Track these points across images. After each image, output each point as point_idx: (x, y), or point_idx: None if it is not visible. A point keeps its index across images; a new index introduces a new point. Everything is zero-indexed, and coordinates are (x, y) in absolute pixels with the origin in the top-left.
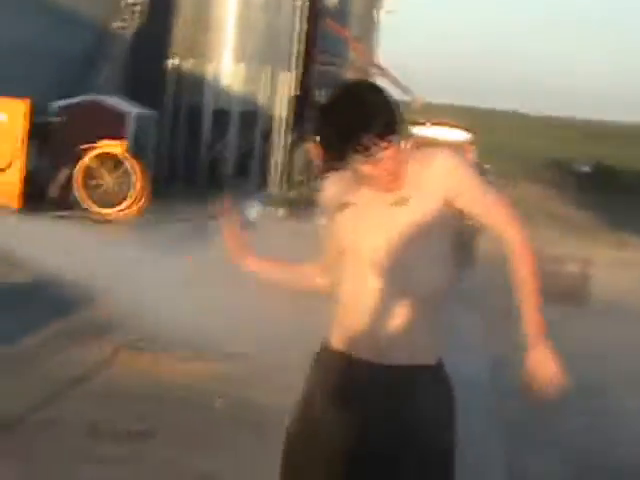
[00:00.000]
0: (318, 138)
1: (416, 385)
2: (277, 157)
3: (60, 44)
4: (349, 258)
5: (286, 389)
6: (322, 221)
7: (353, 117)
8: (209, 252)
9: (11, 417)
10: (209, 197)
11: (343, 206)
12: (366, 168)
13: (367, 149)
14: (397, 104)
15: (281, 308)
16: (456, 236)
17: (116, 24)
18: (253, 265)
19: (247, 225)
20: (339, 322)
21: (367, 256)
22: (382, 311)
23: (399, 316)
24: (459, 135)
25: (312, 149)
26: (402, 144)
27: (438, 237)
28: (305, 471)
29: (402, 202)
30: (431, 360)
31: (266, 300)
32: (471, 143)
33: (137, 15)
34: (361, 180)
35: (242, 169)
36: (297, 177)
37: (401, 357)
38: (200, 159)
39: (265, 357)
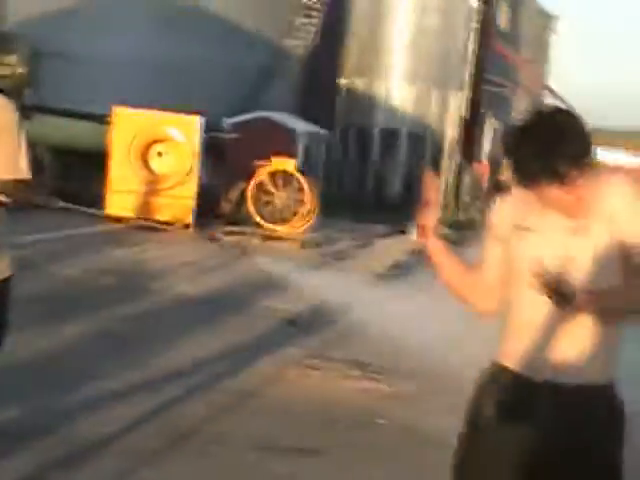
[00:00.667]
0: (510, 160)
1: (591, 404)
2: (445, 178)
3: (234, 61)
4: (525, 280)
5: (448, 410)
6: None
7: (552, 141)
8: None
9: (187, 427)
10: (375, 216)
11: (519, 230)
12: (556, 193)
13: (562, 175)
14: (589, 131)
15: (462, 329)
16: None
17: (290, 42)
18: (434, 249)
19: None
20: (512, 343)
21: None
22: (559, 333)
23: (576, 338)
24: (634, 159)
25: (479, 170)
26: (591, 171)
27: (615, 266)
28: None
29: (582, 230)
30: (605, 380)
31: (449, 321)
32: None
33: (310, 34)
34: (545, 205)
35: (409, 190)
36: (465, 199)
37: (576, 376)
38: (367, 178)
39: (432, 377)
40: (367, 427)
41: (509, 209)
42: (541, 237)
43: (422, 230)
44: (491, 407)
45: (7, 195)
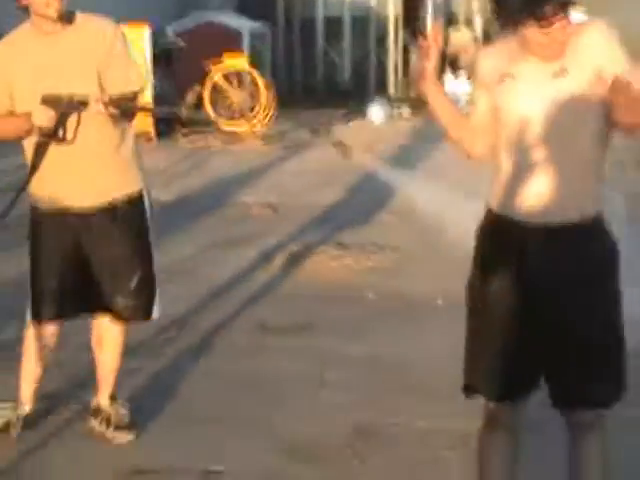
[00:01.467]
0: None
1: (581, 239)
2: (393, 58)
3: None
4: (510, 127)
5: (431, 276)
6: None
7: None
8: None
9: (184, 316)
10: (329, 103)
11: (503, 77)
12: (538, 37)
13: (548, 17)
14: None
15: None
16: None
17: None
18: (431, 91)
19: (375, 127)
20: (502, 190)
21: (530, 125)
22: (545, 175)
23: (561, 179)
24: (579, 17)
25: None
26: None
27: (596, 108)
28: (486, 330)
29: (562, 73)
30: (593, 213)
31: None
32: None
33: None
34: (526, 50)
35: (359, 74)
36: (414, 75)
37: (566, 214)
38: (317, 68)
39: (412, 249)
40: (355, 300)
41: (493, 59)
42: (524, 83)
43: (421, 73)
44: (489, 251)
45: (122, 108)
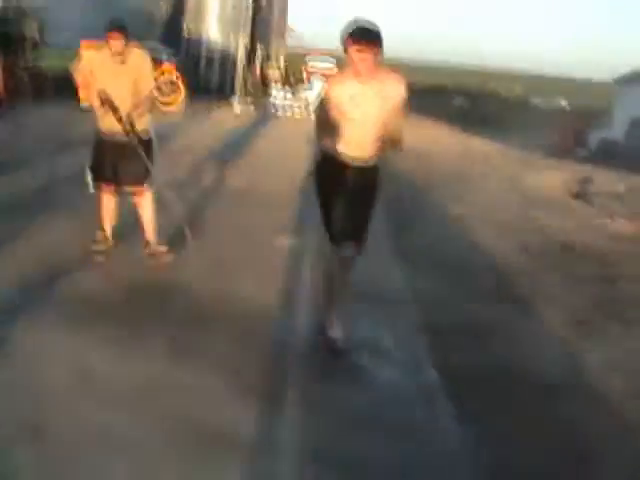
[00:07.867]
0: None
1: (368, 170)
2: (242, 77)
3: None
4: (349, 119)
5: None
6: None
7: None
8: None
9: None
10: (208, 99)
11: (353, 97)
12: (356, 56)
13: (362, 46)
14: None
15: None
16: None
17: (158, 11)
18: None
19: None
20: (339, 146)
21: (360, 118)
22: (363, 142)
23: (369, 144)
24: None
25: (255, 70)
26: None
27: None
28: (328, 193)
29: (380, 92)
30: (376, 163)
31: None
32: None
33: (168, 7)
34: (352, 74)
35: (221, 85)
36: (249, 88)
37: (367, 161)
38: (200, 79)
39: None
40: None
41: (341, 85)
42: (362, 98)
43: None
44: (328, 167)
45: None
